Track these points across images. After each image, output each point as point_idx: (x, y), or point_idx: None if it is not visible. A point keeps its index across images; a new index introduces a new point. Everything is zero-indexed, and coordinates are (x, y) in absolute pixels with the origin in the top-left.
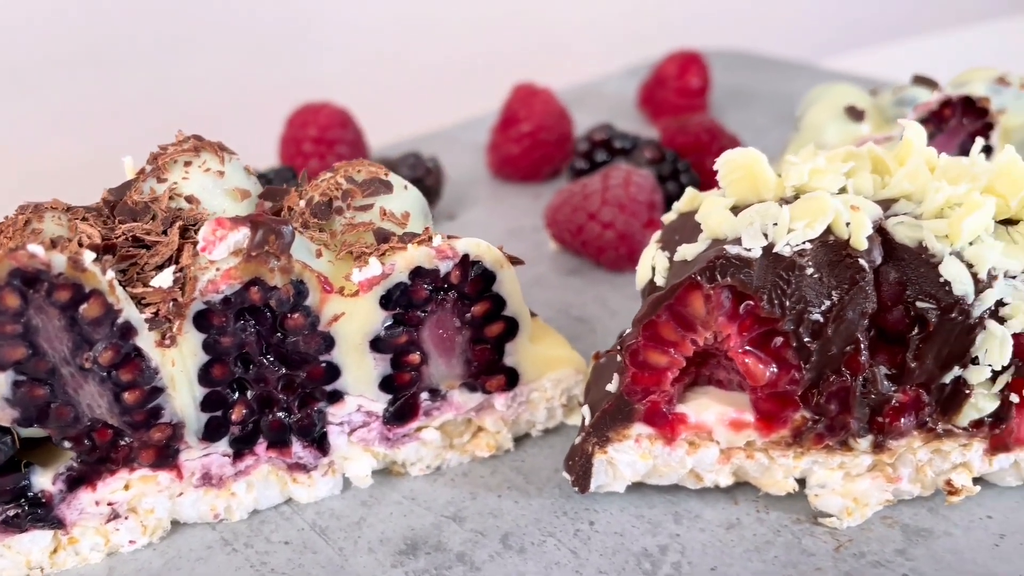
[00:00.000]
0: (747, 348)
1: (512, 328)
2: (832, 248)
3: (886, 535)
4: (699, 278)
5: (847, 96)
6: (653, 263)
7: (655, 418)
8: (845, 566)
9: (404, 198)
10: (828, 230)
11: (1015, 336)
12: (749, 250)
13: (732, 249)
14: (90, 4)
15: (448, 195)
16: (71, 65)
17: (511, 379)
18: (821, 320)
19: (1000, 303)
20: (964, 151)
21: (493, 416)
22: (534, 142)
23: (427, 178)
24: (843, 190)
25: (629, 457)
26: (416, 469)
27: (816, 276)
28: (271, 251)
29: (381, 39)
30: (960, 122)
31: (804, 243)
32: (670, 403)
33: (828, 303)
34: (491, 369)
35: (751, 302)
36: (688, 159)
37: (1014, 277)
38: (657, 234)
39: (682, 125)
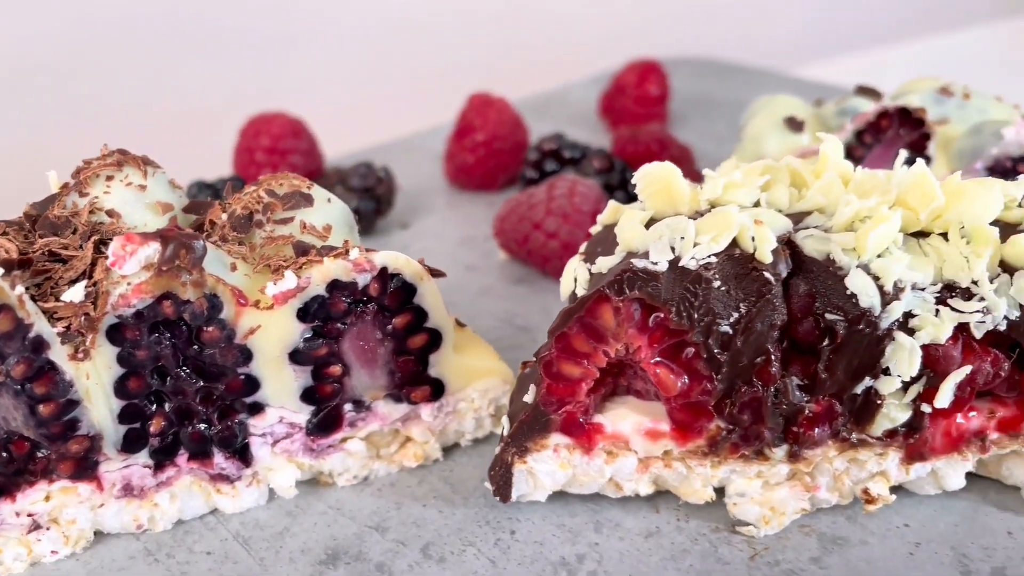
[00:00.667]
0: (658, 359)
1: (436, 339)
2: (738, 261)
3: (802, 543)
4: (608, 291)
5: (788, 107)
6: (575, 275)
7: (572, 428)
8: (759, 573)
9: (326, 211)
10: (735, 244)
11: (924, 347)
12: (656, 263)
13: (639, 263)
14: (45, 10)
15: (403, 204)
16: (27, 73)
17: (436, 390)
18: (730, 332)
19: (909, 315)
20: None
21: (420, 426)
22: (489, 151)
23: (378, 187)
24: (758, 203)
25: (548, 467)
26: (343, 479)
27: (723, 289)
28: (182, 265)
29: (343, 48)
30: (898, 132)
31: (710, 257)
32: (586, 413)
33: (736, 315)
34: (415, 380)
35: (660, 314)
36: (637, 169)
37: (923, 289)
38: (583, 246)
39: (633, 135)
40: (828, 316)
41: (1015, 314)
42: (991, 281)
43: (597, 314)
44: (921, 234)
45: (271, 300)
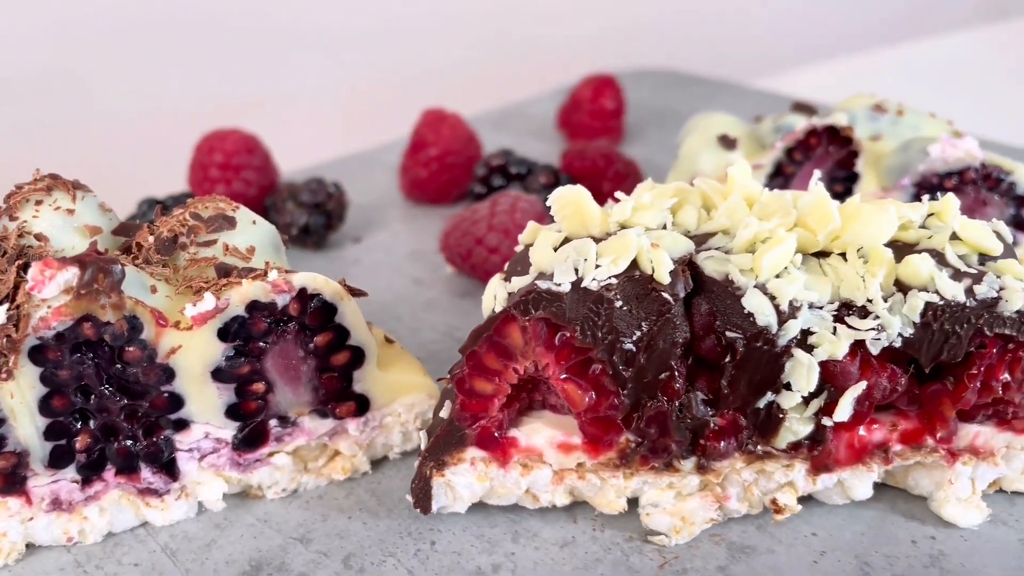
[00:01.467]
0: (566, 376)
1: (358, 356)
2: (638, 282)
3: (711, 552)
4: (514, 311)
5: (721, 125)
6: (495, 293)
7: (487, 442)
8: None
9: (250, 233)
10: (635, 265)
11: (823, 363)
12: (559, 284)
13: (543, 284)
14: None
15: (357, 218)
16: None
17: (362, 405)
18: (633, 349)
19: (807, 332)
20: (833, 178)
21: (347, 440)
22: (441, 166)
23: (328, 202)
24: (666, 225)
25: (466, 479)
26: (272, 492)
27: (625, 308)
28: (100, 289)
29: (305, 64)
30: (827, 150)
31: (610, 278)
32: (501, 428)
33: (638, 333)
34: (340, 396)
35: (566, 333)
36: (584, 184)
37: (820, 308)
38: (507, 265)
39: (581, 151)
40: (728, 334)
41: (909, 331)
42: (885, 300)
43: (505, 333)
44: (823, 254)
45: (190, 321)
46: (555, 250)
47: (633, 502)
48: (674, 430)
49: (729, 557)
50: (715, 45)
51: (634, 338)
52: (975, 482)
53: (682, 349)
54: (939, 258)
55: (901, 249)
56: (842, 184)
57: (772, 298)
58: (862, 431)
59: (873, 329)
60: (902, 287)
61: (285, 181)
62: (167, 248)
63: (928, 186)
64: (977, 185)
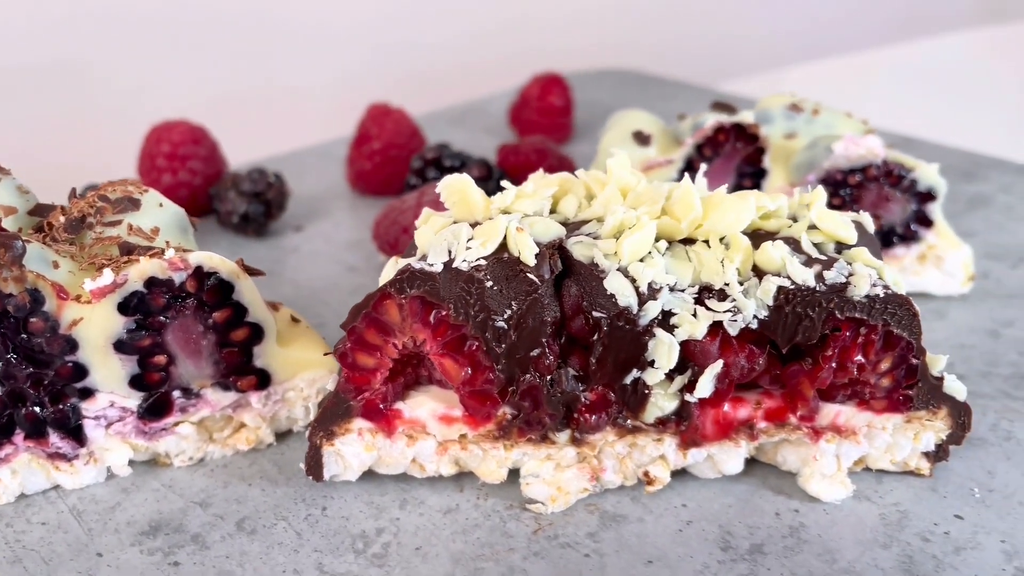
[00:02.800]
0: (444, 351)
1: (258, 333)
2: (507, 264)
3: (584, 520)
4: (390, 289)
5: (637, 122)
6: (389, 273)
7: (372, 414)
8: (536, 546)
9: (156, 215)
10: (504, 248)
11: (685, 343)
12: (432, 265)
13: (417, 264)
14: None
15: (302, 207)
16: None
17: (263, 379)
18: (505, 327)
19: (669, 313)
20: (741, 173)
21: (251, 413)
22: (384, 158)
23: (268, 192)
24: (552, 211)
25: (354, 449)
26: (179, 460)
27: (496, 288)
28: (1, 262)
29: (278, 61)
30: (734, 146)
31: (479, 259)
32: (385, 400)
33: (509, 312)
34: (241, 370)
35: (442, 311)
36: (517, 178)
37: (682, 291)
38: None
39: (516, 146)
40: (595, 314)
41: (764, 314)
42: (742, 284)
43: (383, 310)
44: (690, 241)
45: (90, 295)
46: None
47: (516, 473)
48: (547, 403)
49: (600, 524)
50: (693, 48)
51: (505, 316)
52: (840, 459)
53: (552, 328)
54: (794, 246)
55: (762, 237)
56: (751, 179)
57: (633, 280)
58: (727, 408)
59: (730, 311)
60: (759, 273)
61: (231, 171)
62: (74, 227)
63: (833, 182)
64: (879, 182)
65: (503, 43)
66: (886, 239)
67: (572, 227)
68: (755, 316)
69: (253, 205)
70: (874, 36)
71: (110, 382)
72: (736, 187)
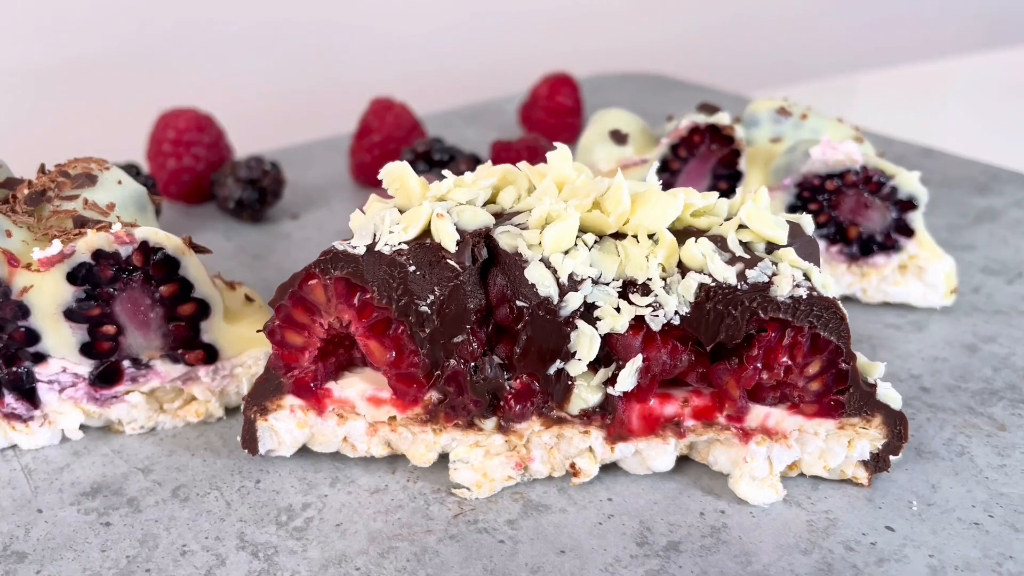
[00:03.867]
0: (369, 333)
1: (204, 309)
2: (429, 250)
3: (507, 507)
4: (315, 269)
5: (615, 121)
6: None
7: (303, 392)
8: (454, 530)
9: (113, 191)
10: (428, 235)
11: (609, 336)
12: (355, 247)
13: (341, 246)
14: None
15: (301, 196)
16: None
17: (211, 354)
18: (428, 311)
19: (593, 306)
20: (715, 175)
21: (200, 386)
22: (384, 152)
23: (264, 179)
24: (491, 201)
25: (287, 425)
26: (130, 428)
27: (419, 273)
28: None
29: (286, 56)
30: (709, 148)
31: (401, 244)
32: (316, 379)
33: (432, 297)
34: (189, 344)
35: (366, 293)
36: None
37: (607, 284)
38: None
39: (508, 143)
40: (518, 303)
41: (685, 310)
42: (665, 280)
43: (308, 290)
44: (621, 236)
45: (39, 264)
46: None
47: (447, 458)
48: (471, 390)
49: (521, 512)
50: (733, 57)
51: (428, 301)
52: (772, 462)
53: (477, 315)
54: (720, 244)
55: (691, 235)
56: (726, 182)
57: (554, 271)
58: (653, 404)
59: (651, 306)
60: (684, 269)
61: (233, 159)
62: (34, 200)
63: (810, 187)
64: (859, 188)
65: (528, 44)
66: (866, 247)
67: (506, 217)
68: (677, 312)
69: (248, 191)
70: (916, 51)
71: (61, 348)
72: (711, 190)
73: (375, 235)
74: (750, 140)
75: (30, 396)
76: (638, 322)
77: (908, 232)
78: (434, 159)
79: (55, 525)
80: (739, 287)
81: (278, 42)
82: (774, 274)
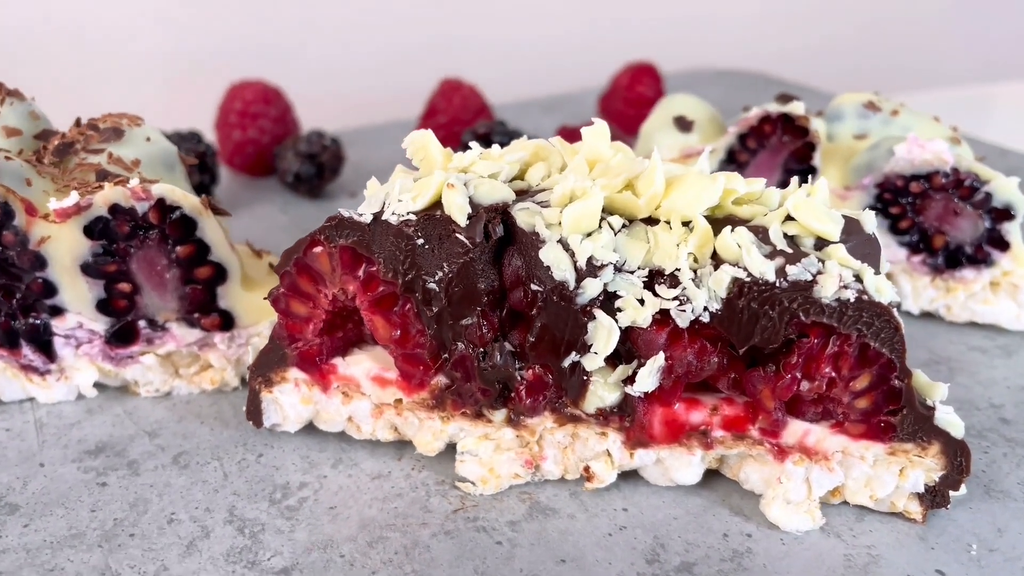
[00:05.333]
0: (374, 307)
1: (221, 273)
2: (439, 223)
3: (512, 507)
4: (319, 236)
5: (682, 106)
6: None
7: (307, 365)
8: (450, 525)
9: (140, 148)
10: (440, 206)
11: (632, 330)
12: (361, 215)
13: (347, 212)
14: None
15: (362, 175)
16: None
17: (227, 320)
18: (436, 289)
19: (615, 295)
20: (787, 170)
21: (216, 353)
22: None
23: (322, 154)
24: (519, 177)
25: (291, 399)
26: (145, 391)
27: (427, 247)
28: None
29: (372, 36)
30: (781, 140)
31: (409, 214)
32: (321, 353)
33: (440, 273)
34: (205, 308)
35: (372, 265)
36: None
37: (632, 272)
38: None
39: (574, 129)
40: (532, 287)
41: (716, 306)
42: (695, 271)
43: (312, 257)
44: (654, 222)
45: (54, 214)
46: None
47: (455, 449)
48: (479, 377)
49: (527, 514)
50: (839, 59)
51: (436, 278)
52: (811, 486)
53: (489, 297)
54: (762, 235)
55: (732, 223)
56: (800, 178)
57: (572, 254)
58: (678, 408)
59: (678, 299)
60: (718, 261)
61: (296, 134)
62: (61, 152)
63: (892, 188)
64: (948, 192)
65: (618, 35)
66: (953, 259)
67: (530, 195)
68: (706, 308)
69: (306, 165)
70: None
71: (77, 303)
72: (782, 186)
73: (384, 203)
74: (832, 135)
75: (47, 349)
76: (663, 316)
77: (1002, 245)
78: (493, 142)
79: (52, 480)
80: (777, 284)
81: (358, 22)
82: (819, 272)
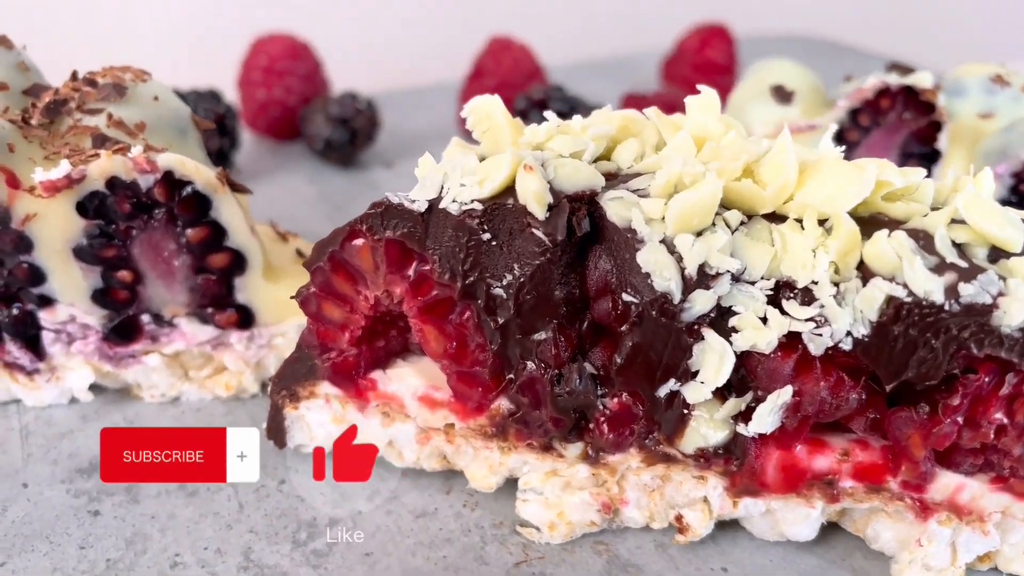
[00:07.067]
0: (425, 315)
1: (240, 261)
2: (512, 214)
3: (586, 561)
4: (360, 226)
5: (779, 74)
6: None
7: (342, 380)
8: None
9: (145, 108)
10: (512, 193)
11: (745, 354)
12: (414, 201)
13: (396, 198)
14: None
15: (399, 143)
16: None
17: (245, 317)
18: (503, 295)
19: (729, 311)
20: (905, 152)
21: (232, 355)
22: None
23: (356, 119)
24: (604, 157)
25: (321, 418)
26: (149, 395)
27: (495, 244)
28: None
29: None
30: (901, 116)
31: (474, 203)
32: (358, 366)
33: (509, 277)
34: (220, 303)
35: (424, 264)
36: None
37: (752, 283)
38: None
39: (642, 96)
40: (624, 297)
41: (862, 331)
42: (837, 285)
43: (351, 251)
44: (779, 218)
45: (40, 187)
46: None
47: (516, 484)
48: (551, 404)
49: (604, 570)
50: (920, 26)
51: (504, 282)
52: (957, 551)
53: (568, 307)
54: (924, 242)
55: (880, 225)
56: (918, 161)
57: (679, 258)
58: (799, 451)
59: (814, 321)
60: (866, 273)
61: (325, 95)
62: (51, 111)
63: None
64: None
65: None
66: None
67: (621, 179)
68: (850, 333)
69: (338, 131)
70: None
71: (70, 292)
72: None
73: (442, 188)
74: (952, 112)
75: (34, 345)
76: (791, 340)
77: None
78: (551, 109)
79: (37, 506)
80: (947, 307)
81: None
82: (1000, 294)
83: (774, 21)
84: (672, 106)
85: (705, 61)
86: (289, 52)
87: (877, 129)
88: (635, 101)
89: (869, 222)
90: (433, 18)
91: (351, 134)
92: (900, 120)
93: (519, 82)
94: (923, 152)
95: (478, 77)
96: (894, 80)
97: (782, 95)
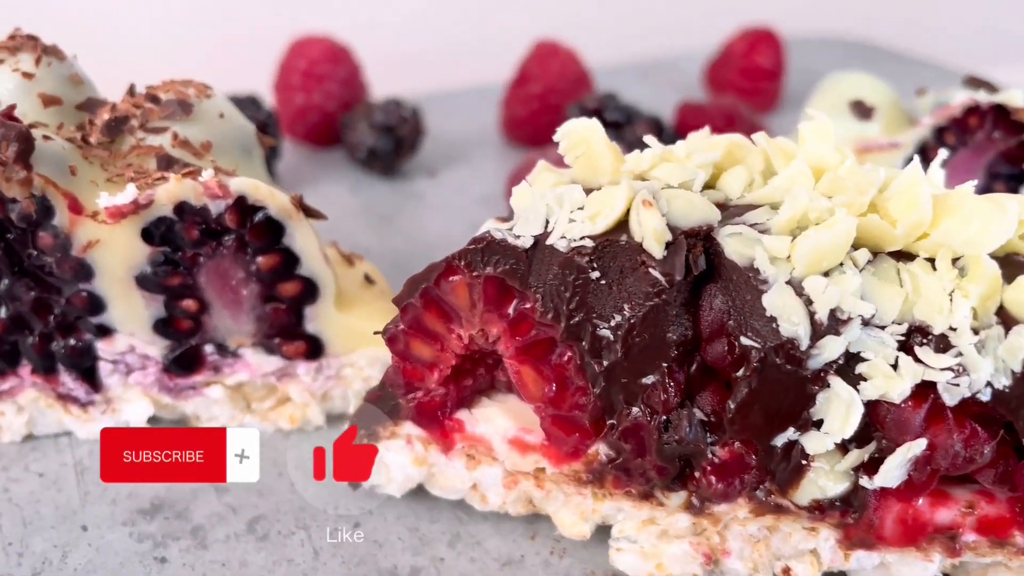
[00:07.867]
0: (523, 356)
1: (311, 290)
2: (625, 252)
3: None
4: (458, 262)
5: (857, 88)
6: None
7: (425, 420)
8: None
9: (211, 127)
10: (624, 229)
11: (874, 404)
12: (519, 237)
13: (499, 233)
14: None
15: (441, 150)
16: None
17: (314, 348)
18: (610, 337)
19: (857, 357)
20: (991, 174)
21: (298, 386)
22: (544, 105)
23: (401, 127)
24: (708, 186)
25: (400, 459)
26: (210, 426)
27: (604, 283)
28: (2, 158)
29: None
30: (990, 136)
31: (584, 239)
32: (444, 406)
33: (618, 318)
34: (289, 333)
35: (526, 302)
36: None
37: (882, 328)
38: None
39: (700, 106)
40: (743, 341)
41: (1004, 382)
42: (976, 332)
43: (447, 288)
44: (906, 256)
45: (105, 213)
46: None
47: (607, 531)
48: (656, 452)
49: None
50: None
51: (612, 323)
52: None
53: (679, 349)
54: None
55: (1018, 265)
56: (1005, 184)
57: (808, 302)
58: (922, 505)
59: (951, 370)
60: (1007, 320)
61: (367, 101)
62: (112, 129)
63: None
64: None
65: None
66: None
67: (733, 212)
68: (989, 384)
69: (382, 140)
70: None
71: (131, 322)
72: (985, 192)
73: (547, 222)
74: None
75: (90, 376)
76: (923, 389)
77: None
78: (606, 119)
79: (99, 551)
80: None
81: None
82: None
83: (818, 23)
84: (731, 117)
85: (752, 66)
86: (329, 55)
87: (963, 149)
88: (691, 111)
89: (1005, 263)
90: (466, 19)
91: (396, 143)
92: (989, 140)
93: (566, 88)
94: (1011, 173)
95: (523, 83)
96: (984, 98)
97: (862, 111)
